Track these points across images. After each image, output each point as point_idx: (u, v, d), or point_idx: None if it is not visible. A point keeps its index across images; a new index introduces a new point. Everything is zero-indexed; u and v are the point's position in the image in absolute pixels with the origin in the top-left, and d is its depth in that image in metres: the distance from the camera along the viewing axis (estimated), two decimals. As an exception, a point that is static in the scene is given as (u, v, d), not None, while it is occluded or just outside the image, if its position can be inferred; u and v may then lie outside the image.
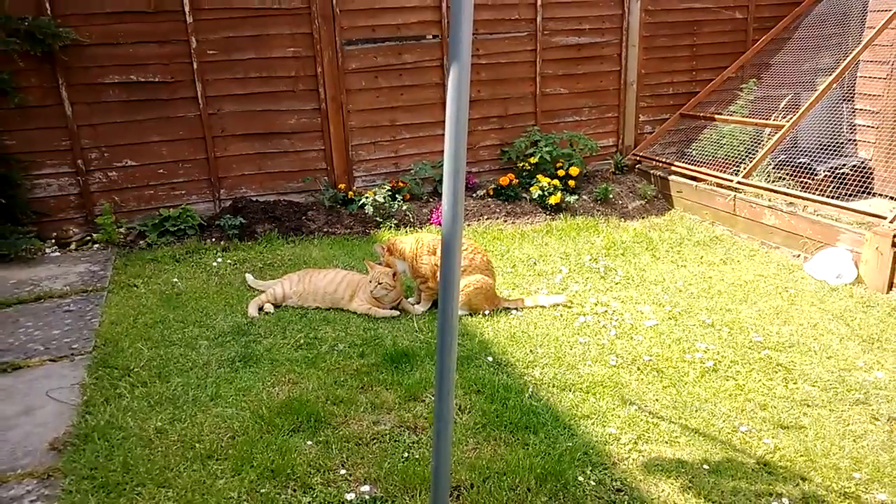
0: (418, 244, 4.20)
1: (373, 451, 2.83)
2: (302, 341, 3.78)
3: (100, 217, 5.42)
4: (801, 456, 2.78)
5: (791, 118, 5.95)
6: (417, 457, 2.78)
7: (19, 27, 4.97)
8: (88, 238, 5.49)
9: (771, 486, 2.60)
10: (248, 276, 4.62)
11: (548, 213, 6.09)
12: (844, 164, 5.90)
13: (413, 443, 2.88)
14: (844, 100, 6.56)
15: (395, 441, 2.89)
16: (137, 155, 5.65)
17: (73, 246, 5.44)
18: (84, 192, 5.53)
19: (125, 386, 3.31)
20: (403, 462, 2.74)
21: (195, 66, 5.59)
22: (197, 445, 2.84)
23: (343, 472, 2.69)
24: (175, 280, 4.70)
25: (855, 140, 6.56)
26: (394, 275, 4.11)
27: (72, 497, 2.55)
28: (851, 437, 2.90)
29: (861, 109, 6.53)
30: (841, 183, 5.39)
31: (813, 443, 2.86)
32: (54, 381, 3.37)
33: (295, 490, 2.59)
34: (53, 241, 5.45)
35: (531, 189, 6.20)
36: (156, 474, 2.66)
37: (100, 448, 2.83)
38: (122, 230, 5.54)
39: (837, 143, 6.13)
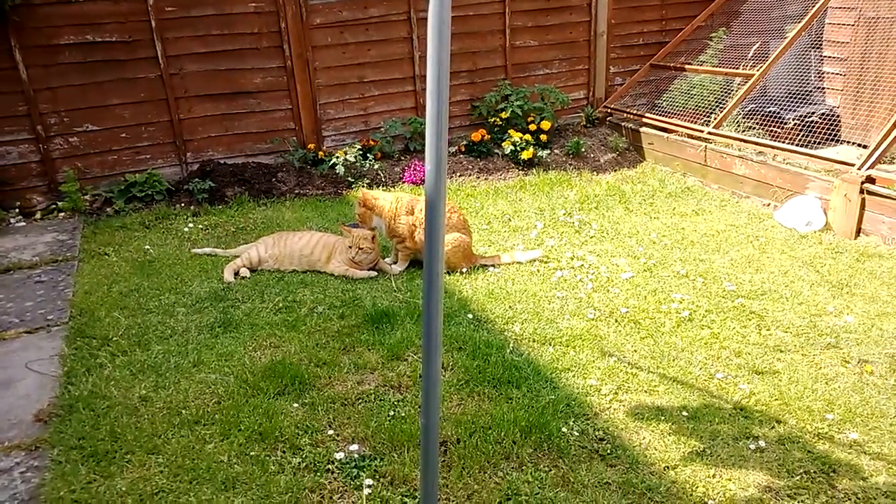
0: (398, 203, 4.17)
1: (359, 410, 2.85)
2: (281, 305, 3.76)
3: (64, 184, 5.27)
4: (776, 400, 2.88)
5: (760, 67, 5.98)
6: (403, 415, 2.81)
7: (-36, -14, 4.73)
8: (54, 206, 5.34)
9: (748, 430, 2.70)
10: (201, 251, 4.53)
11: (520, 168, 6.08)
12: (813, 112, 5.97)
13: (398, 401, 2.91)
14: (813, 47, 6.60)
15: (381, 400, 2.92)
16: (98, 119, 5.47)
17: (38, 215, 5.29)
18: (45, 158, 5.36)
19: (105, 355, 3.27)
20: (390, 420, 2.77)
21: (153, 24, 5.39)
22: (183, 412, 2.84)
23: (331, 432, 2.72)
24: (147, 247, 4.62)
25: (823, 88, 6.62)
26: (372, 238, 4.09)
27: (62, 467, 2.53)
28: (823, 380, 3.01)
29: (829, 57, 6.58)
30: (809, 131, 5.46)
31: (787, 387, 2.96)
32: (32, 353, 3.32)
33: (284, 451, 2.61)
34: (17, 210, 5.29)
35: (503, 144, 6.17)
36: (144, 441, 2.66)
37: (86, 418, 2.81)
38: (87, 197, 5.39)
39: (806, 91, 6.19)
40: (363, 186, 5.68)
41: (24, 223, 5.16)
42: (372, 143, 6.12)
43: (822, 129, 5.47)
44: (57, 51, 5.21)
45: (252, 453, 2.59)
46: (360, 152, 5.91)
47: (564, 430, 2.71)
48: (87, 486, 2.45)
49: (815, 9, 6.01)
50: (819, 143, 5.34)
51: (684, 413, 2.81)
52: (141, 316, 3.66)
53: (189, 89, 5.66)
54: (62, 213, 5.29)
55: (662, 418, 2.78)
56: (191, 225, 5.00)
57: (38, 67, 5.18)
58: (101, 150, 5.53)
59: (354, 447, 2.63)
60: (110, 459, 2.57)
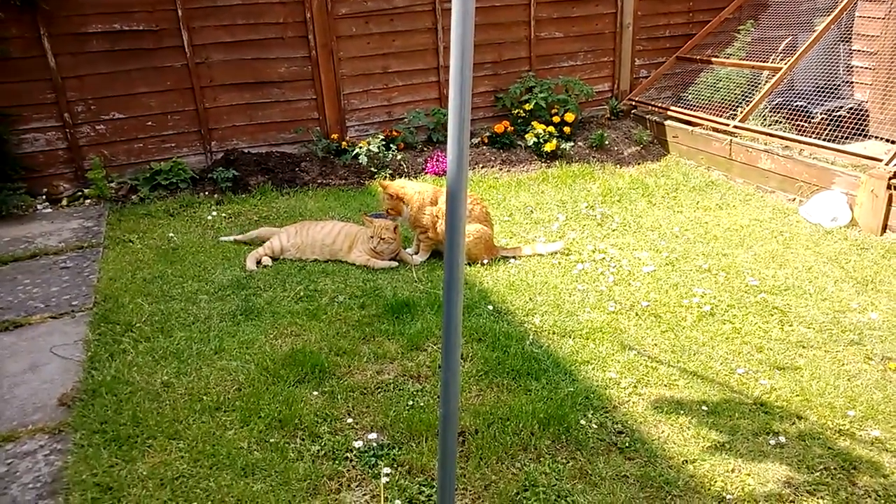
0: (422, 193, 4.17)
1: (378, 399, 2.87)
2: (302, 294, 3.79)
3: (90, 172, 5.35)
4: (797, 396, 2.85)
5: (788, 60, 5.88)
6: (422, 404, 2.82)
7: (-4, -25, 4.81)
8: (80, 193, 5.43)
9: (768, 425, 2.67)
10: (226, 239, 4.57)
11: (543, 160, 6.06)
12: (841, 107, 5.86)
13: (417, 391, 2.92)
14: (842, 41, 6.47)
15: (400, 390, 2.93)
16: (125, 107, 5.54)
17: (64, 202, 5.38)
18: (73, 146, 5.44)
19: (128, 341, 3.33)
20: (408, 410, 2.78)
21: (180, 13, 5.43)
22: (204, 398, 2.88)
23: (350, 420, 2.74)
24: (171, 234, 4.68)
25: (851, 82, 6.50)
26: (394, 228, 4.10)
27: (84, 451, 2.58)
28: (846, 376, 2.97)
29: (858, 50, 6.45)
30: (837, 126, 5.36)
31: (808, 383, 2.93)
32: (57, 338, 3.38)
33: (303, 439, 2.64)
34: (44, 196, 5.38)
35: (526, 136, 6.15)
36: (165, 426, 2.70)
37: (108, 402, 2.86)
38: (113, 185, 5.47)
39: (834, 85, 6.08)
40: (386, 177, 5.69)
41: (50, 209, 5.25)
42: (395, 133, 6.13)
43: (850, 123, 5.37)
44: (85, 39, 5.28)
45: (271, 440, 2.63)
46: (383, 143, 5.92)
47: (583, 422, 2.70)
48: (109, 469, 2.49)
49: (844, 2, 5.89)
50: (846, 137, 5.25)
51: (704, 407, 2.79)
52: (164, 303, 3.72)
53: (214, 78, 5.71)
54: (88, 200, 5.38)
55: (682, 412, 2.76)
56: (214, 213, 5.06)
57: (67, 55, 5.25)
58: (128, 138, 5.60)
59: (373, 436, 2.65)
60: (132, 444, 2.62)
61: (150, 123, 5.64)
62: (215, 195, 5.40)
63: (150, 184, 5.44)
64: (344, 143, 6.03)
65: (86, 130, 5.47)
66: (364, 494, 2.38)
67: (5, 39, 5.03)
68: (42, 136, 5.36)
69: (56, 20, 5.14)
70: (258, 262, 4.17)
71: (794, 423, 2.69)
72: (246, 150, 5.87)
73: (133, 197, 5.40)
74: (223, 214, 5.04)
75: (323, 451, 2.57)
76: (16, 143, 5.24)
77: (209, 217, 4.99)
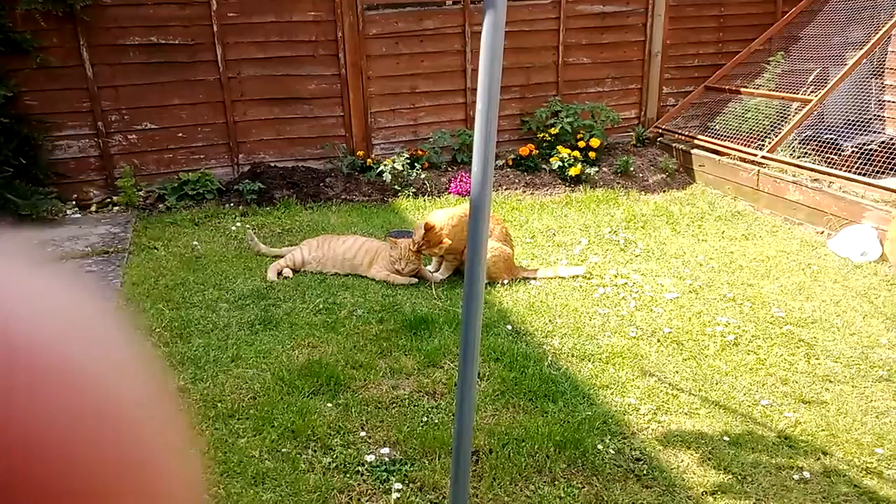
0: (450, 219, 4.11)
1: (392, 414, 2.85)
2: (321, 306, 3.79)
3: (120, 180, 5.44)
4: (823, 431, 2.77)
5: (819, 93, 5.83)
6: (436, 421, 2.79)
7: (41, -15, 4.95)
8: (109, 200, 5.52)
9: (792, 460, 2.60)
10: (259, 244, 4.58)
11: (567, 184, 6.04)
12: (872, 141, 5.78)
13: (432, 408, 2.89)
14: (874, 75, 6.41)
15: (415, 406, 2.91)
16: (157, 118, 5.64)
17: (93, 208, 5.47)
18: (104, 154, 5.54)
19: (147, 346, 3.34)
20: (423, 426, 2.75)
21: (215, 28, 5.55)
22: (219, 405, 2.87)
23: (363, 434, 2.72)
24: (195, 243, 4.72)
25: (883, 116, 6.42)
26: (419, 249, 4.10)
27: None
28: (874, 413, 2.88)
29: (891, 85, 6.38)
30: (868, 160, 5.28)
31: (835, 418, 2.85)
32: (77, 339, 3.41)
33: (315, 450, 2.62)
34: (74, 202, 5.48)
35: (551, 160, 6.14)
36: (178, 432, 2.69)
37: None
38: (141, 193, 5.55)
39: (865, 119, 6.01)
40: (409, 195, 5.71)
41: (79, 215, 5.34)
42: (420, 152, 6.16)
43: (882, 158, 5.28)
44: (122, 51, 5.40)
45: (283, 450, 2.61)
46: (408, 161, 5.95)
47: (600, 447, 2.65)
48: (123, 470, 2.49)
49: (877, 36, 5.84)
50: (878, 172, 5.16)
51: (725, 438, 2.72)
52: (184, 309, 3.74)
53: (245, 93, 5.80)
54: (116, 208, 5.46)
55: (702, 442, 2.70)
56: (238, 224, 5.10)
57: (104, 66, 5.38)
58: (158, 149, 5.70)
59: (385, 450, 2.62)
60: (146, 446, 2.61)
61: (180, 135, 5.73)
62: (240, 207, 5.45)
63: (177, 193, 5.52)
64: (369, 160, 6.07)
65: (118, 139, 5.58)
66: (374, 509, 2.35)
67: (46, 48, 5.17)
68: (75, 143, 5.47)
69: (95, 31, 5.28)
70: (279, 274, 4.18)
71: (818, 459, 2.61)
72: (272, 164, 5.94)
73: (160, 206, 5.47)
74: (247, 225, 5.08)
75: (335, 464, 2.54)
76: (49, 149, 5.35)
77: (233, 228, 5.03)
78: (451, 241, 4.01)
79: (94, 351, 0.28)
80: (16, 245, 0.28)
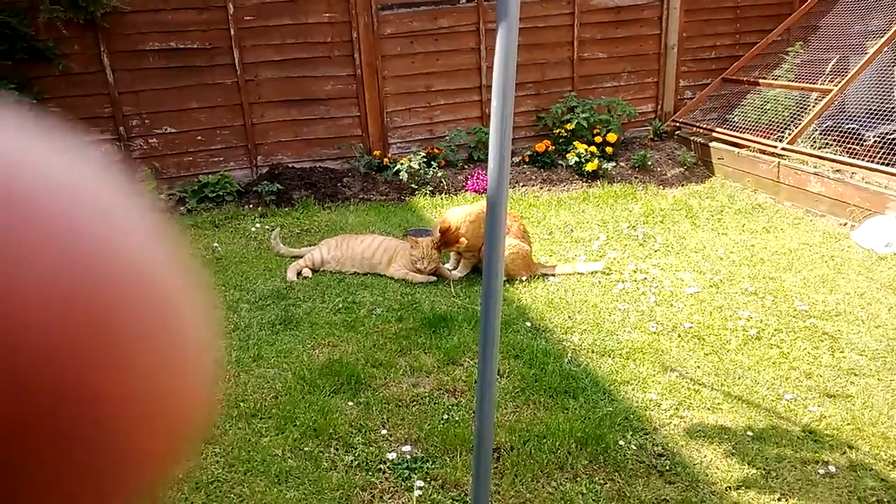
0: (468, 216, 4.11)
1: (412, 412, 2.86)
2: (340, 305, 3.81)
3: (141, 183, 5.49)
4: (848, 424, 2.73)
5: (839, 82, 5.75)
6: (457, 419, 2.80)
7: (62, -6, 5.03)
8: (130, 204, 5.58)
9: (817, 454, 2.57)
10: (280, 245, 4.62)
11: (584, 180, 6.01)
12: (894, 130, 5.69)
13: (452, 405, 2.90)
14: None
15: (435, 403, 2.92)
16: (177, 122, 5.70)
17: (115, 212, 5.53)
18: (125, 158, 5.61)
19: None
20: (443, 424, 2.76)
21: (232, 32, 5.60)
22: (241, 404, 2.90)
23: (384, 432, 2.73)
24: (215, 245, 4.77)
25: (906, 105, 6.31)
26: (438, 247, 4.11)
27: (123, 451, 2.62)
28: (900, 406, 2.84)
29: (914, 73, 6.26)
30: (891, 149, 5.19)
31: (860, 412, 2.81)
32: (102, 342, 3.46)
33: (337, 449, 2.64)
34: (96, 206, 5.55)
35: (567, 156, 6.12)
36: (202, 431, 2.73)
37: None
38: (162, 196, 5.62)
39: (887, 108, 5.91)
40: (426, 194, 5.72)
41: (103, 219, 5.41)
42: (436, 151, 6.17)
43: (906, 147, 5.20)
44: (142, 56, 5.47)
45: (306, 449, 2.63)
46: (425, 160, 5.96)
47: (622, 443, 2.64)
48: (148, 470, 2.53)
49: (901, 22, 5.74)
50: (902, 161, 5.08)
51: (749, 433, 2.70)
52: (207, 310, 3.77)
53: (263, 95, 5.85)
54: (138, 211, 5.52)
55: (725, 437, 2.68)
56: (258, 225, 5.15)
57: (124, 71, 5.45)
58: (178, 152, 5.76)
59: (407, 448, 2.63)
60: (171, 446, 2.65)
61: (199, 138, 5.79)
62: (259, 208, 5.50)
63: (197, 196, 5.58)
64: (386, 159, 6.09)
65: (139, 143, 5.65)
66: (397, 506, 2.36)
67: (68, 55, 5.25)
68: (98, 148, 5.53)
69: (115, 38, 5.35)
70: (299, 274, 4.21)
71: (844, 453, 2.58)
72: (290, 165, 5.98)
73: (181, 208, 5.53)
74: (266, 226, 5.13)
75: (356, 462, 2.56)
76: (72, 154, 5.42)
77: (253, 229, 5.08)
78: (468, 240, 4.01)
79: (105, 209, 0.26)
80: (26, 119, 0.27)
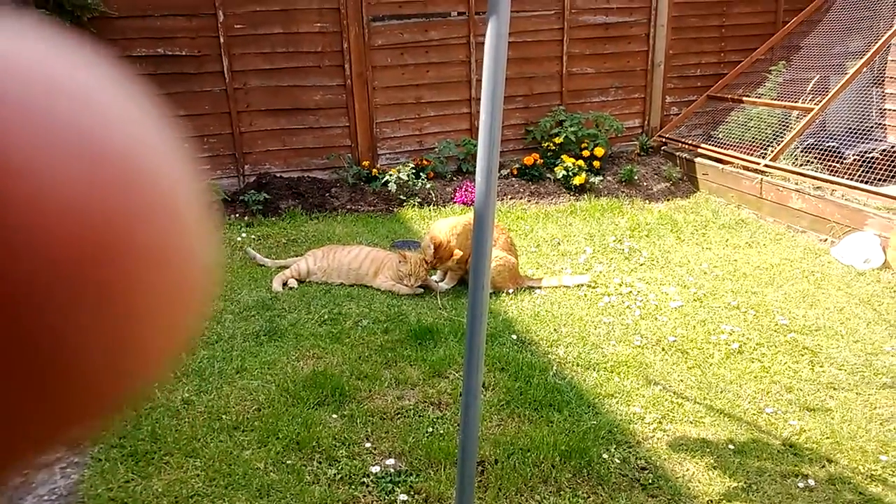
0: (453, 228, 4.12)
1: (397, 425, 2.85)
2: (326, 317, 3.80)
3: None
4: (828, 438, 2.77)
5: (820, 101, 5.85)
6: (442, 432, 2.80)
7: (48, -1, 5.01)
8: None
9: (797, 467, 2.60)
10: (252, 252, 4.63)
11: (572, 193, 6.06)
12: (874, 149, 5.79)
13: (437, 418, 2.90)
14: (875, 84, 6.42)
15: (420, 416, 2.91)
16: (163, 129, 5.67)
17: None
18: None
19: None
20: (428, 437, 2.76)
21: (222, 39, 5.60)
22: (223, 417, 2.88)
23: (368, 445, 2.72)
24: (201, 254, 4.74)
25: (884, 125, 6.43)
26: (433, 265, 4.11)
27: (101, 465, 2.60)
28: (878, 420, 2.88)
29: (891, 94, 6.39)
30: (870, 168, 5.29)
31: (839, 425, 2.84)
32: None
33: (320, 462, 2.62)
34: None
35: (555, 169, 6.16)
36: (183, 444, 2.71)
37: (128, 418, 2.87)
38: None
39: (867, 127, 6.02)
40: (415, 205, 5.74)
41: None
42: (425, 162, 6.19)
43: (883, 165, 5.29)
44: (130, 62, 5.42)
45: (288, 462, 2.62)
46: (413, 171, 5.98)
47: (605, 456, 2.65)
48: (125, 485, 2.50)
49: (877, 45, 5.86)
50: (880, 180, 5.16)
51: (731, 446, 2.72)
52: (191, 320, 3.75)
53: (251, 104, 5.84)
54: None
55: (707, 451, 2.70)
56: (244, 234, 5.13)
57: (111, 79, 5.41)
58: (196, 168, 5.71)
59: (391, 461, 2.63)
60: (149, 460, 2.63)
61: (186, 145, 5.74)
62: (246, 217, 5.48)
63: (183, 204, 5.54)
64: (374, 170, 6.10)
65: (124, 151, 5.61)
66: (380, 519, 2.35)
67: (53, 61, 5.21)
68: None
69: (103, 44, 5.31)
70: (284, 284, 4.20)
71: (823, 467, 2.61)
72: (278, 175, 5.97)
73: (166, 217, 5.50)
74: (252, 236, 5.11)
75: (339, 475, 2.55)
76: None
77: (239, 238, 5.06)
78: (462, 253, 4.02)
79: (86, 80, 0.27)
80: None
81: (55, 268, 0.23)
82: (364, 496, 2.45)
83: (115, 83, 0.29)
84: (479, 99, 1.68)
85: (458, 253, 4.00)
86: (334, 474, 2.55)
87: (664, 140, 6.92)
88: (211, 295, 0.31)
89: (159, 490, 2.47)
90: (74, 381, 0.25)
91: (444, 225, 4.17)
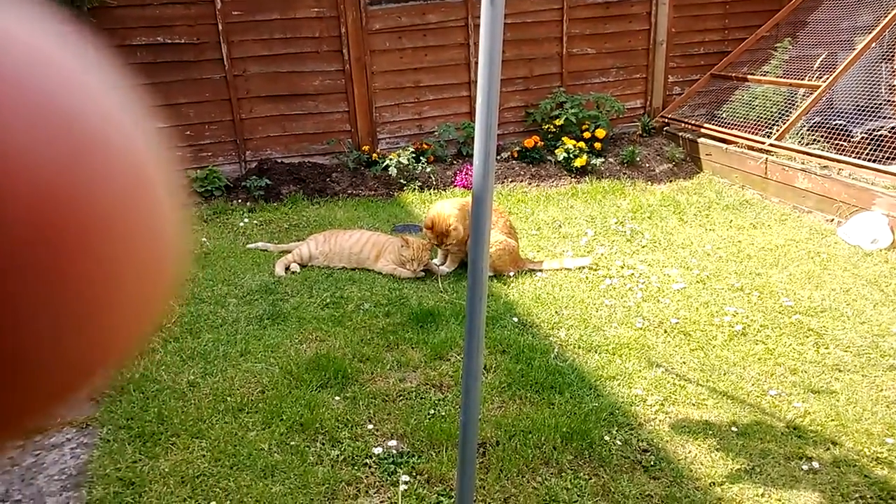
0: (455, 209, 4.10)
1: (399, 407, 2.86)
2: (328, 300, 3.80)
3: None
4: (833, 420, 2.75)
5: (827, 78, 5.78)
6: (443, 414, 2.80)
7: (45, -14, 4.97)
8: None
9: (801, 450, 2.59)
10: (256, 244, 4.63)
11: (573, 175, 6.02)
12: (882, 127, 5.72)
13: (439, 400, 2.90)
14: (884, 59, 6.33)
15: (421, 398, 2.92)
16: (165, 117, 5.65)
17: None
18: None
19: (158, 341, 3.37)
20: (429, 418, 2.76)
21: (220, 27, 5.56)
22: (228, 399, 2.89)
23: (370, 427, 2.73)
24: (203, 239, 4.75)
25: (894, 101, 6.35)
26: (437, 245, 4.10)
27: (110, 445, 2.62)
28: (884, 402, 2.86)
29: (901, 70, 6.30)
30: (878, 146, 5.23)
31: (844, 408, 2.83)
32: (88, 337, 3.44)
33: (324, 443, 2.63)
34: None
35: (556, 151, 6.12)
36: (189, 425, 2.72)
37: (135, 399, 2.90)
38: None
39: (875, 104, 5.94)
40: (415, 189, 5.71)
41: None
42: (425, 146, 6.16)
43: (892, 143, 5.23)
44: (130, 51, 5.42)
45: (292, 443, 2.63)
46: (413, 155, 5.95)
47: (607, 438, 2.65)
48: (133, 465, 2.52)
49: (887, 19, 5.77)
50: (889, 158, 5.10)
51: (734, 429, 2.71)
52: (194, 305, 3.76)
53: (251, 90, 5.82)
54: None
55: (710, 433, 2.69)
56: (246, 220, 5.13)
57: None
58: (166, 147, 5.70)
59: (393, 443, 2.63)
60: (156, 441, 2.65)
61: (188, 133, 5.75)
62: (248, 203, 5.48)
63: (185, 191, 5.54)
64: (375, 154, 6.08)
65: (125, 138, 5.60)
66: (382, 501, 2.36)
67: (52, 48, 5.19)
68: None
69: (102, 33, 5.29)
70: (287, 269, 4.20)
71: (828, 449, 2.60)
72: (279, 160, 5.95)
73: (168, 203, 5.50)
74: (255, 222, 5.11)
75: (342, 457, 2.56)
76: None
77: (241, 224, 5.06)
78: (462, 230, 3.99)
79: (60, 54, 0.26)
80: None
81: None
82: (367, 477, 2.46)
83: (75, 52, 0.27)
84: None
85: (458, 228, 3.95)
86: (337, 455, 2.56)
87: (667, 120, 6.86)
88: (180, 277, 0.29)
89: (166, 470, 2.48)
90: (25, 368, 0.24)
91: (448, 204, 4.17)
